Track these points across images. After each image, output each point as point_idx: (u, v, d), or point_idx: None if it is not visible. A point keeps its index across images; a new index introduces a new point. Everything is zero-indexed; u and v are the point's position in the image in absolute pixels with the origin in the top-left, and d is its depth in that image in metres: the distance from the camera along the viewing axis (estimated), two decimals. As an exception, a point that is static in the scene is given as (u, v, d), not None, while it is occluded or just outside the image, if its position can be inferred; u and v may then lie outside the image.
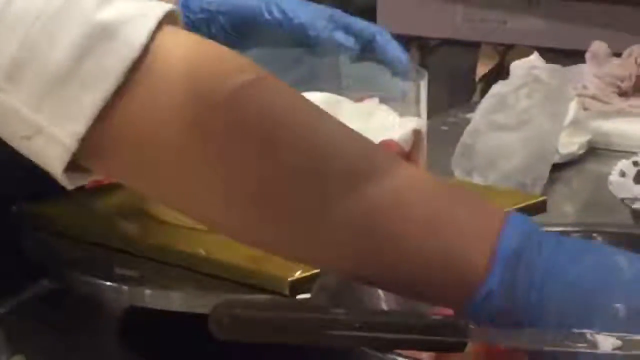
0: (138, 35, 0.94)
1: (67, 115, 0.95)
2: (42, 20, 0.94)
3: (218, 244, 1.17)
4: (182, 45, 0.97)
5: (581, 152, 1.58)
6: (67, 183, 0.99)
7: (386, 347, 0.93)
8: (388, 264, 0.98)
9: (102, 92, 0.94)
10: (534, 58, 1.50)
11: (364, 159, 1.00)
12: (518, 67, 1.49)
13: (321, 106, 1.12)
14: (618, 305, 0.95)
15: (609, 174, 1.30)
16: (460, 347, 0.92)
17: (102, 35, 0.94)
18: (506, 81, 1.49)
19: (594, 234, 1.12)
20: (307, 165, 0.98)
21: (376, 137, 1.20)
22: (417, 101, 1.27)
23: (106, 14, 0.94)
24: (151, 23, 0.95)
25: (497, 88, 1.49)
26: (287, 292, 1.12)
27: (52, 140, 0.96)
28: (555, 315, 0.96)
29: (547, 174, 1.47)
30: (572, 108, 1.58)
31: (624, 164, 1.31)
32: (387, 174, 0.98)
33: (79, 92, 0.94)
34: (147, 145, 0.97)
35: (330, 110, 1.16)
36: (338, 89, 1.30)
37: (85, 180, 1.00)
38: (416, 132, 1.25)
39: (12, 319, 1.21)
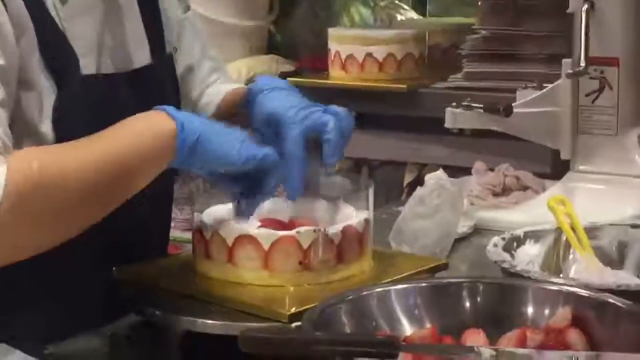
0: None
1: None
2: None
3: (243, 290, 1.16)
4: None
5: (470, 231, 1.57)
6: None
7: (347, 356, 0.93)
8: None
9: None
10: (440, 173, 1.48)
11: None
12: (430, 178, 1.48)
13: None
14: None
15: (487, 245, 1.29)
16: (394, 356, 0.92)
17: None
18: (423, 187, 1.47)
19: (478, 284, 1.11)
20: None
21: (341, 225, 1.20)
22: (367, 200, 1.26)
23: None
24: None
25: (418, 191, 1.47)
26: (286, 321, 1.10)
27: None
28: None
29: (450, 246, 1.46)
30: (465, 204, 1.58)
31: (496, 239, 1.30)
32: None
33: None
34: None
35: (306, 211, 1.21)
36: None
37: None
38: (367, 220, 1.24)
39: (112, 340, 1.19)
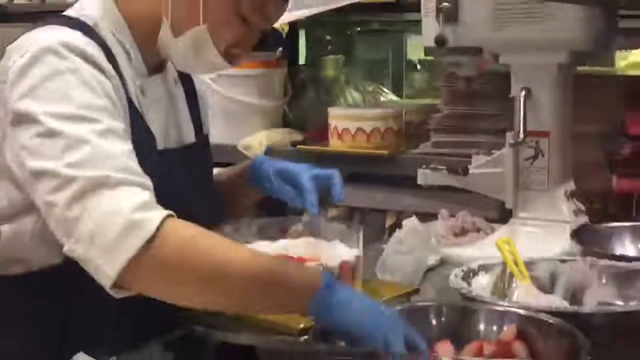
0: (152, 226, 0.97)
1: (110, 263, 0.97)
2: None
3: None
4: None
5: (437, 264, 1.55)
6: (114, 294, 0.99)
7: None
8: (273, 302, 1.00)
9: (128, 253, 0.96)
10: (414, 218, 1.49)
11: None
12: (407, 223, 1.47)
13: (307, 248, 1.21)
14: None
15: (450, 275, 1.29)
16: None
17: (133, 225, 0.97)
18: (401, 230, 1.47)
19: (443, 307, 1.11)
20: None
21: (338, 260, 1.21)
22: (358, 240, 1.26)
23: (138, 216, 0.98)
24: (158, 220, 0.98)
25: (397, 233, 1.47)
26: (296, 334, 1.10)
27: (102, 274, 0.98)
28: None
29: (421, 276, 1.45)
30: (432, 242, 1.58)
31: (457, 270, 1.30)
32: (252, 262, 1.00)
33: (117, 252, 0.97)
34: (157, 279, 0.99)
35: (312, 249, 1.21)
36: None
37: (127, 293, 1.00)
38: (358, 256, 1.24)
39: (163, 350, 1.18)
